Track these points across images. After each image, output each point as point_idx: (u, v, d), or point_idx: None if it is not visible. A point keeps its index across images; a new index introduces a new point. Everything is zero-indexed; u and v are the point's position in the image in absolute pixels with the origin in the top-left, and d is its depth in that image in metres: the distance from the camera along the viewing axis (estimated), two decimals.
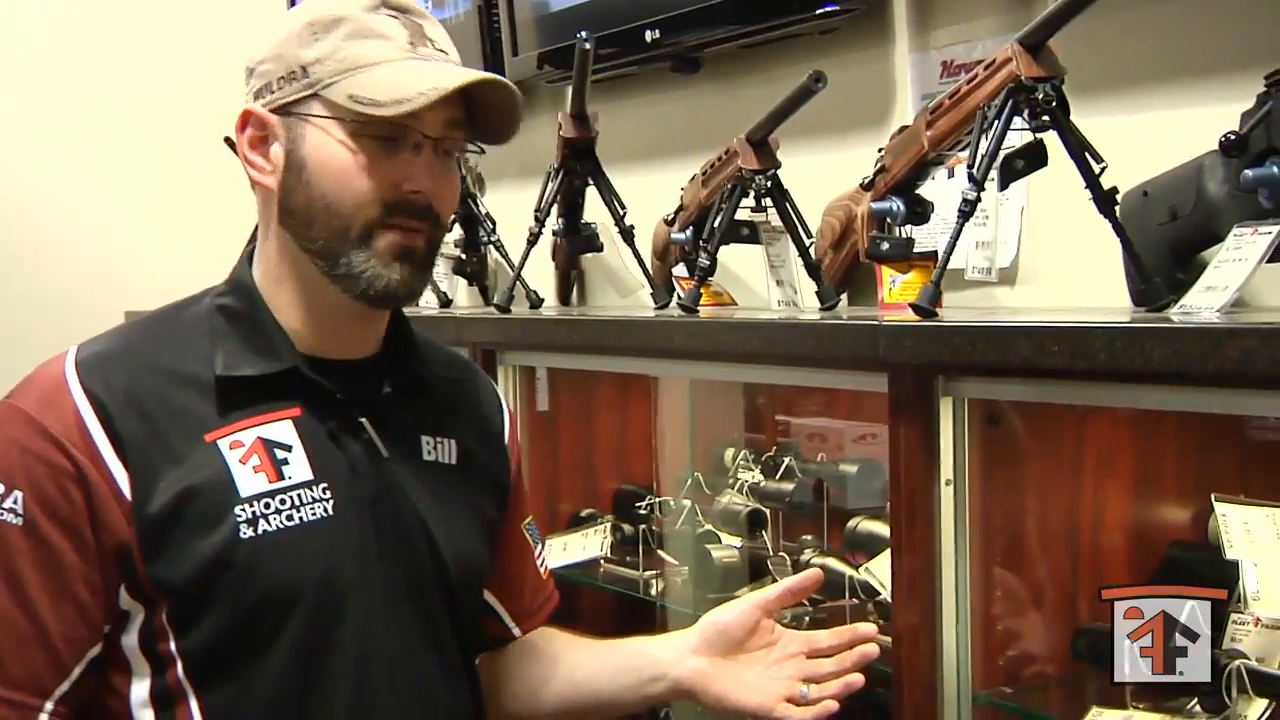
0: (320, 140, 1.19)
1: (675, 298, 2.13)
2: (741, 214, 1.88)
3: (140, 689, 1.18)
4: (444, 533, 1.28)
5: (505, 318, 2.16)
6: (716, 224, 1.85)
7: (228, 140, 1.27)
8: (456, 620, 1.31)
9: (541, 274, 2.54)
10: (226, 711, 1.17)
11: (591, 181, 2.18)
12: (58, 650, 1.15)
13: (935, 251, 1.73)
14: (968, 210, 1.43)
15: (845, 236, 1.97)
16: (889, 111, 2.06)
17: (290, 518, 1.19)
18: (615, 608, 2.22)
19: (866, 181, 1.75)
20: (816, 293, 1.83)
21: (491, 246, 2.49)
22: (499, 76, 1.21)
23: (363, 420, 1.25)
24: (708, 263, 1.86)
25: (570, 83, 2.10)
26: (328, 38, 1.19)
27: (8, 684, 1.14)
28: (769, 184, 1.81)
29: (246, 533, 1.17)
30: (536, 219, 2.20)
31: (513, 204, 2.60)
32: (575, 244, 2.38)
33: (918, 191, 1.70)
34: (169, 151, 3.53)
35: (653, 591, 2.13)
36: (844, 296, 1.93)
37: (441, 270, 2.67)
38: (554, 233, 2.36)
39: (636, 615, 2.17)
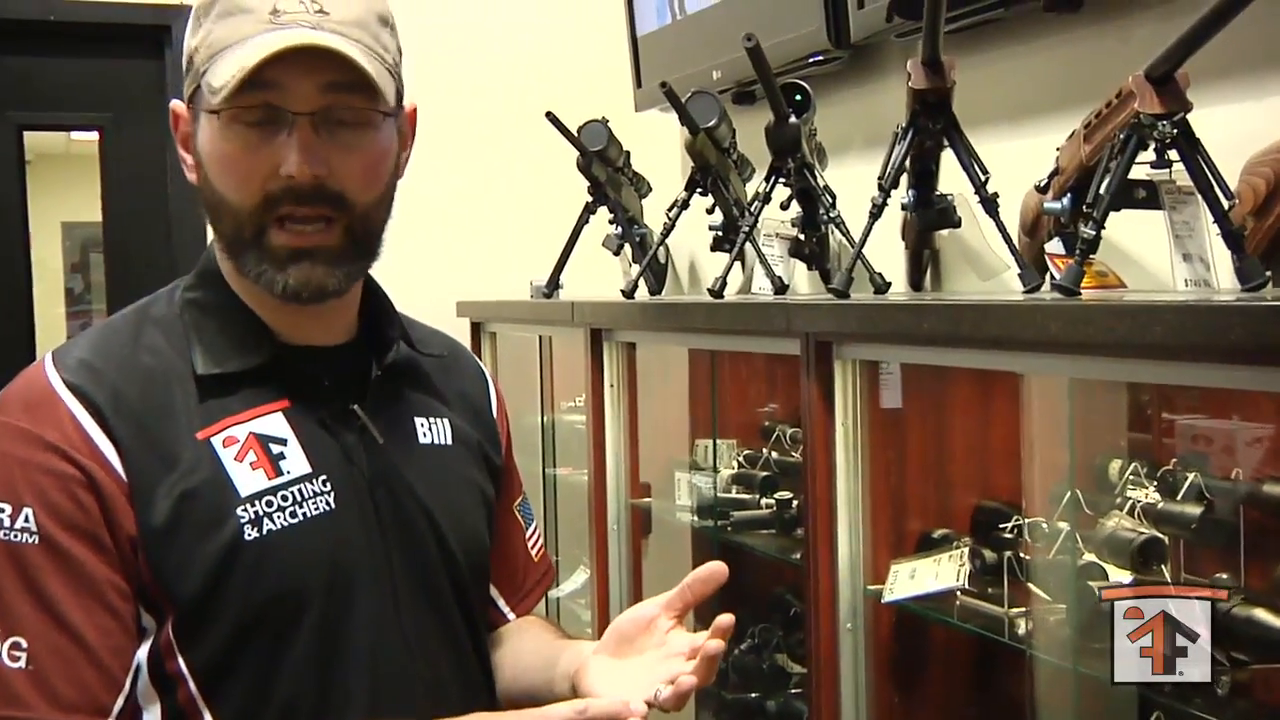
0: (206, 134, 1.14)
1: (1048, 279, 1.78)
2: (1137, 173, 1.51)
3: (151, 716, 1.12)
4: (448, 517, 1.25)
5: (842, 303, 1.85)
6: (1105, 185, 1.49)
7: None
8: (465, 606, 1.27)
9: (890, 255, 2.23)
10: None
11: (946, 142, 1.85)
12: (106, 664, 1.09)
13: None
14: None
15: (1273, 199, 1.56)
16: None
17: (293, 514, 1.14)
18: (973, 650, 1.88)
19: None
20: (1237, 269, 1.44)
21: (832, 225, 2.20)
22: (310, 34, 1.10)
23: (354, 407, 1.20)
24: (1092, 233, 1.50)
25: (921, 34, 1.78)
26: (205, 21, 1.15)
27: (64, 709, 1.07)
28: (1174, 132, 1.43)
29: (251, 534, 1.12)
30: (881, 188, 1.88)
31: (857, 179, 2.29)
32: (927, 219, 2.05)
33: None
34: (488, 150, 3.55)
35: (1020, 633, 1.77)
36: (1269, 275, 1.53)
37: (777, 252, 2.41)
38: (902, 206, 2.05)
39: (999, 661, 1.82)
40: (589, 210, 2.93)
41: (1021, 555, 1.84)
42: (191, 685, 1.11)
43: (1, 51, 3.44)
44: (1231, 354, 1.21)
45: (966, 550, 1.88)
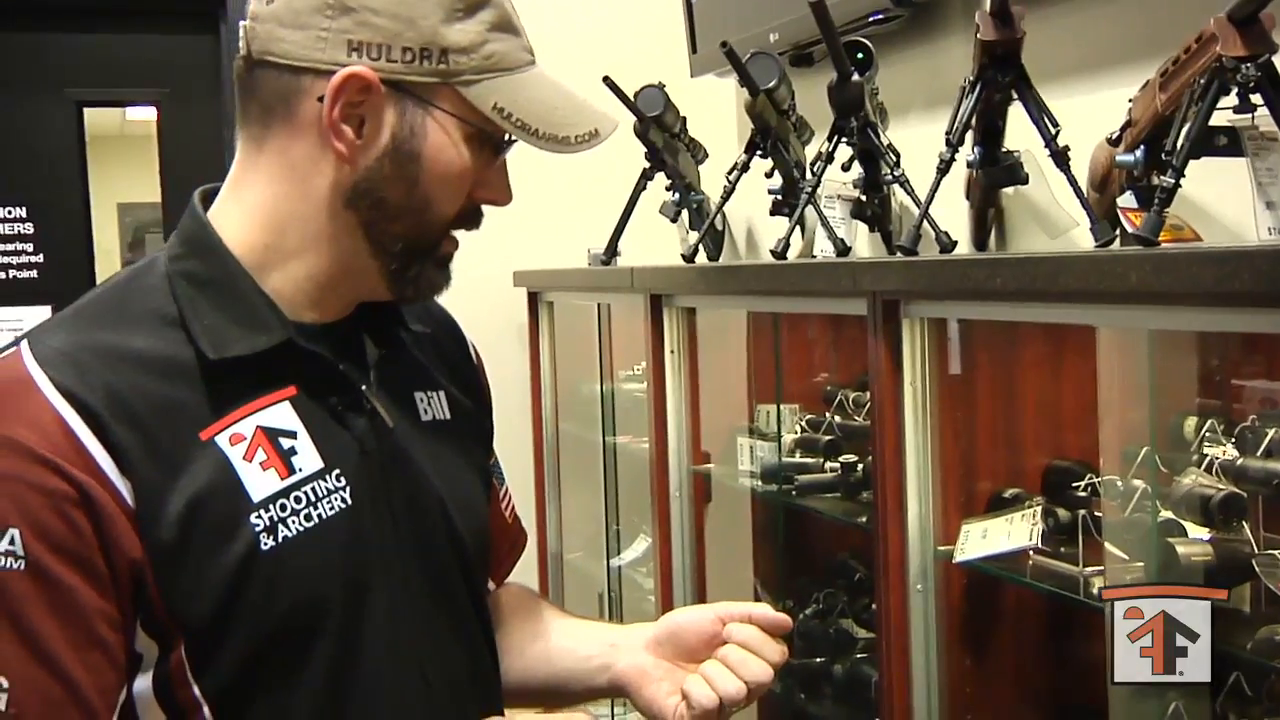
0: (442, 142, 1.06)
1: (1120, 235, 1.74)
2: (1218, 119, 1.48)
3: None
4: (456, 502, 1.18)
5: (911, 260, 1.83)
6: (1186, 130, 1.45)
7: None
8: (474, 592, 1.22)
9: (954, 214, 2.20)
10: None
11: (1015, 95, 1.81)
12: (92, 706, 0.98)
13: None
14: None
15: None
16: None
17: (309, 517, 1.05)
18: (1048, 610, 1.85)
19: None
20: None
21: (897, 185, 2.17)
22: (608, 118, 1.12)
23: (364, 390, 1.12)
24: (1171, 182, 1.47)
25: None
26: (472, 21, 1.05)
27: None
28: (1259, 74, 1.39)
29: (267, 543, 1.02)
30: (948, 142, 1.85)
31: (919, 139, 2.26)
32: (994, 176, 2.02)
33: None
34: None
35: (1095, 591, 1.74)
36: None
37: (839, 214, 2.38)
38: (968, 164, 2.01)
39: (1074, 621, 1.79)
40: (646, 177, 2.91)
41: (1096, 514, 1.81)
42: (206, 711, 1.02)
43: (58, 29, 3.47)
44: None
45: (1039, 509, 1.86)
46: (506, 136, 1.09)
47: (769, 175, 2.44)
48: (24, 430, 0.96)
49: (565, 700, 1.31)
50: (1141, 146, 1.69)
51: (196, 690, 1.02)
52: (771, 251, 2.19)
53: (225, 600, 1.01)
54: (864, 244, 2.61)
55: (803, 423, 2.61)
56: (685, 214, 2.92)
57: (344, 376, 1.11)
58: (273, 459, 1.05)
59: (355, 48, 1.03)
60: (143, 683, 1.02)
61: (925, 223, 1.94)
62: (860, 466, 2.29)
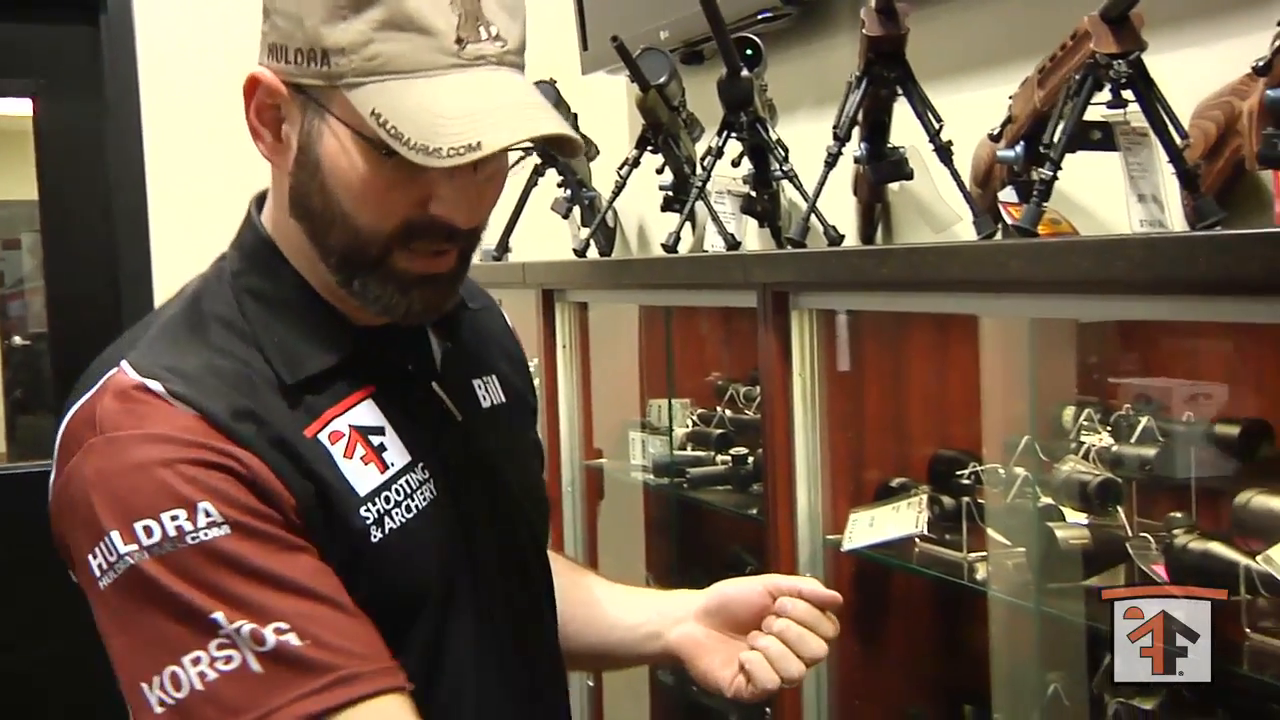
0: (336, 149, 1.00)
1: (1000, 228, 1.79)
2: (1093, 115, 1.52)
3: None
4: (521, 486, 1.21)
5: (801, 252, 1.85)
6: (1061, 126, 1.49)
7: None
8: (545, 567, 1.24)
9: (843, 210, 2.23)
10: None
11: (901, 91, 1.85)
12: (363, 618, 0.99)
13: None
14: None
15: (1224, 142, 1.58)
16: None
17: (408, 509, 1.07)
18: (933, 595, 1.89)
19: (1260, 64, 1.37)
20: (1194, 208, 1.46)
21: (786, 180, 2.19)
22: (546, 121, 1.00)
23: (433, 384, 1.14)
24: (1049, 174, 1.50)
25: None
26: (357, 20, 0.97)
27: (362, 657, 0.96)
28: (1130, 71, 1.44)
29: (376, 535, 1.04)
30: (836, 136, 1.88)
31: (809, 136, 2.29)
32: (881, 171, 2.05)
33: None
34: None
35: (979, 577, 1.79)
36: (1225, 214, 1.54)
37: (729, 209, 2.40)
38: (855, 159, 2.05)
39: (959, 605, 1.83)
40: (537, 173, 2.91)
41: (979, 501, 1.86)
42: None
43: None
44: (1196, 286, 1.23)
45: (924, 498, 1.90)
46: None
47: (660, 171, 2.45)
48: (164, 427, 0.97)
49: (615, 665, 1.36)
50: (1021, 142, 1.73)
51: None
52: (663, 245, 2.21)
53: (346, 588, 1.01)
54: (754, 239, 2.64)
55: (694, 417, 2.63)
56: (577, 210, 2.93)
57: (412, 375, 1.13)
58: (370, 455, 1.06)
59: (271, 50, 1.02)
60: None
61: (813, 216, 1.96)
62: (751, 459, 2.31)
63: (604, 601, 1.35)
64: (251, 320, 1.06)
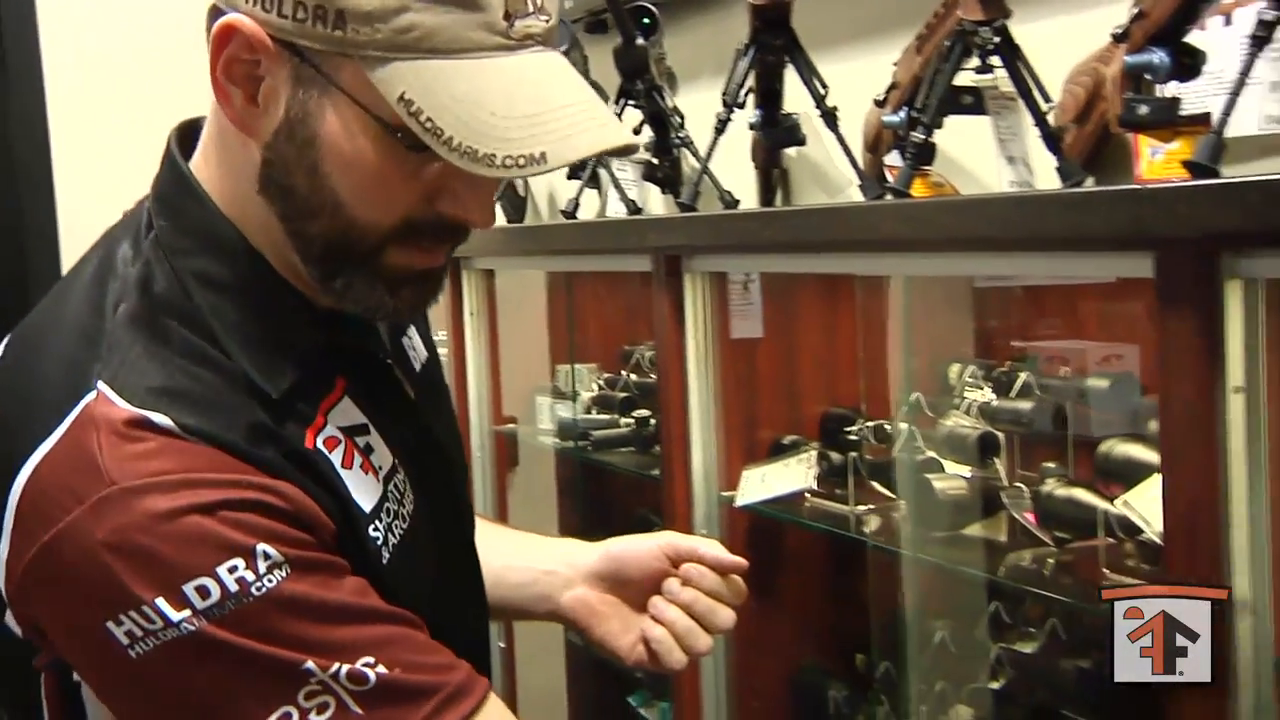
0: (337, 129, 0.84)
1: (887, 190, 1.84)
2: (966, 81, 1.58)
3: None
4: (455, 448, 1.12)
5: (691, 216, 1.90)
6: (932, 91, 1.55)
7: None
8: (473, 524, 1.15)
9: (741, 176, 2.27)
10: None
11: (788, 59, 1.89)
12: (414, 617, 0.91)
13: (1208, 114, 1.40)
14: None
15: (1091, 106, 1.64)
16: None
17: (403, 519, 0.96)
18: (823, 548, 1.95)
19: (1119, 31, 1.43)
20: (1058, 169, 1.51)
21: (683, 147, 2.23)
22: (614, 131, 0.86)
23: (390, 364, 1.02)
24: (921, 138, 1.56)
25: None
26: None
27: (448, 668, 0.90)
28: (996, 39, 1.49)
29: (385, 556, 0.92)
30: (725, 104, 1.92)
31: (709, 105, 2.33)
32: (775, 137, 2.10)
33: (1185, 40, 1.37)
34: None
35: (866, 529, 1.85)
36: (1090, 180, 1.61)
37: (630, 177, 2.44)
38: (750, 125, 2.09)
39: (847, 556, 1.89)
40: None
41: (866, 457, 1.92)
42: None
43: None
44: (1053, 243, 1.29)
45: (814, 454, 1.95)
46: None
47: None
48: (189, 470, 0.83)
49: (501, 619, 1.26)
50: (904, 108, 1.79)
51: None
52: (562, 212, 2.24)
53: None
54: (657, 205, 2.68)
55: (600, 381, 2.67)
56: None
57: (373, 356, 1.00)
58: (365, 461, 0.93)
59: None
60: None
61: (709, 180, 2.01)
62: (653, 421, 2.36)
63: (489, 551, 1.21)
64: (208, 312, 0.89)
